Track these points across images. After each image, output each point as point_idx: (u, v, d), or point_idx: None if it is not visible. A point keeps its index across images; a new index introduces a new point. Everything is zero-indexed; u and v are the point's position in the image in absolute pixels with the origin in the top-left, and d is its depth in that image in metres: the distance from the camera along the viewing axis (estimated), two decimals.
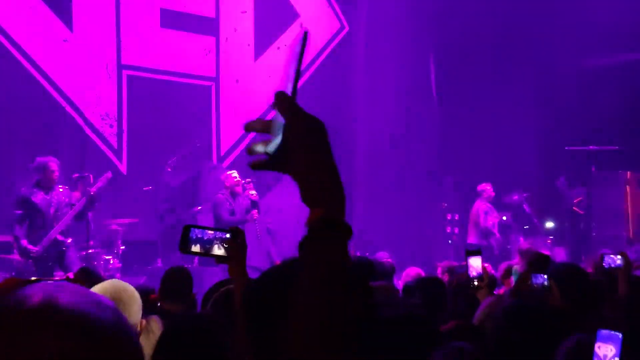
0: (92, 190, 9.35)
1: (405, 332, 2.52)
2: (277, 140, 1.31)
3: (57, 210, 9.15)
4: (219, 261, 2.86)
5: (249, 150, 1.34)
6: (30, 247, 8.99)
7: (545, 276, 4.50)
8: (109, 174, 9.82)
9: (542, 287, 4.44)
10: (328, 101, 14.73)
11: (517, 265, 6.79)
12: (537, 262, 5.53)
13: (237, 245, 2.86)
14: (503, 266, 7.66)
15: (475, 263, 4.59)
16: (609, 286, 5.11)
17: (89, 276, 5.20)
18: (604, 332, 2.55)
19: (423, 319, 2.63)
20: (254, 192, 10.60)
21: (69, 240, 9.37)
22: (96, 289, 3.19)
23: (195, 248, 2.79)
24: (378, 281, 4.58)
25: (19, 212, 9.09)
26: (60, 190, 9.29)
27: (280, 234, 12.39)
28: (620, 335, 2.51)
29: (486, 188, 13.24)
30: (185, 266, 8.43)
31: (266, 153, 1.32)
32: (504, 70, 14.84)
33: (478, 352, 2.68)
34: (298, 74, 1.31)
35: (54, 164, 9.25)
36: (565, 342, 2.84)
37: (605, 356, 2.50)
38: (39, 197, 9.10)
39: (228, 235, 2.86)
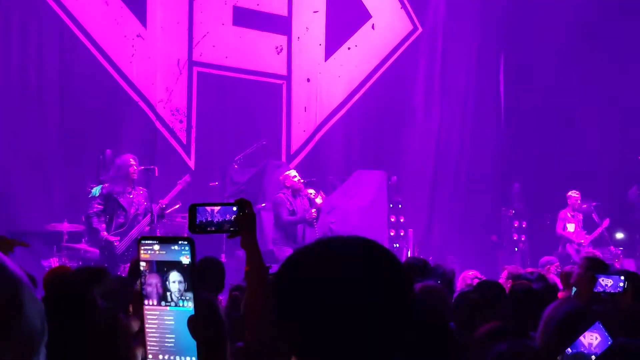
0: (164, 202, 9.40)
1: None
2: None
3: (137, 210, 9.23)
4: (231, 235, 2.87)
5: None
6: (111, 237, 9.05)
7: (622, 277, 4.42)
8: (187, 178, 9.93)
9: (611, 292, 4.36)
10: (396, 103, 14.70)
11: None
12: (595, 266, 5.39)
13: (245, 216, 2.84)
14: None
15: None
16: None
17: None
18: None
19: None
20: (312, 191, 10.57)
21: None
22: None
23: (205, 226, 2.78)
24: (430, 282, 4.53)
25: (100, 206, 9.13)
26: (141, 192, 9.38)
27: (343, 233, 12.34)
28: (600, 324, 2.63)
29: (570, 195, 13.03)
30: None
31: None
32: (575, 76, 14.54)
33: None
34: None
35: (134, 161, 9.33)
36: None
37: (590, 344, 2.57)
38: (123, 196, 9.17)
39: (235, 209, 2.84)
